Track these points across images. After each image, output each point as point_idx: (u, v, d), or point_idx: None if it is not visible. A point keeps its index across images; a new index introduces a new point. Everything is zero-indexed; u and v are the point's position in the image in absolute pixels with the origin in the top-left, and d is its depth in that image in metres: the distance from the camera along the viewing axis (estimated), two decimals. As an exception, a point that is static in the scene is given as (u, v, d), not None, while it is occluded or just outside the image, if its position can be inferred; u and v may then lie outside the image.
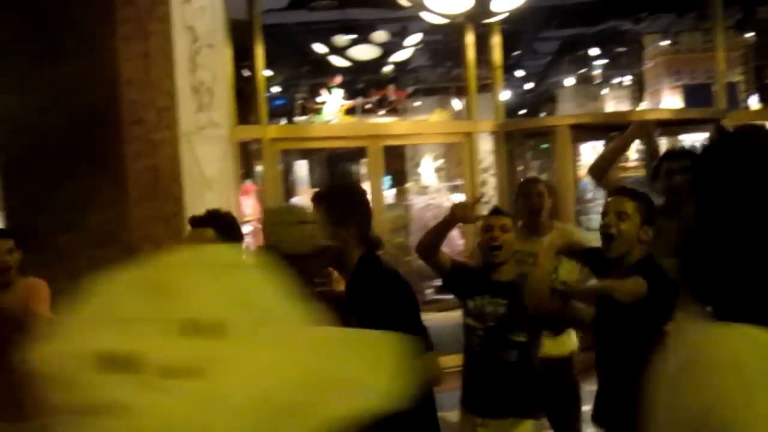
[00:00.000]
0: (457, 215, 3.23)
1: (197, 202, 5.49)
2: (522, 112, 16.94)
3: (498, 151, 7.45)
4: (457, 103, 13.53)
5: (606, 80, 15.35)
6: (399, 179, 10.64)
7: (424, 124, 8.06)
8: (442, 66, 13.85)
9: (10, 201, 4.56)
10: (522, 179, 5.81)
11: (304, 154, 10.65)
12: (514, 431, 3.04)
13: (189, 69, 5.48)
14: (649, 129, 6.47)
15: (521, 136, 7.64)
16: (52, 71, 4.40)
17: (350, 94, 11.77)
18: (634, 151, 8.56)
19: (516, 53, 13.07)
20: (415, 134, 7.81)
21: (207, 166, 5.73)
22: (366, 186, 7.67)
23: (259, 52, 6.55)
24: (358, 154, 15.97)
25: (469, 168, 7.33)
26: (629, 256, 2.82)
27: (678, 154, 3.72)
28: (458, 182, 11.65)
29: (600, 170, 3.81)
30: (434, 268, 3.43)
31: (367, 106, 11.92)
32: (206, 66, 5.81)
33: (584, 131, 7.34)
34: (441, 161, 12.41)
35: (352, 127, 8.36)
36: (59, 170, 4.43)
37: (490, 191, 7.75)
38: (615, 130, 7.25)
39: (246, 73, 7.34)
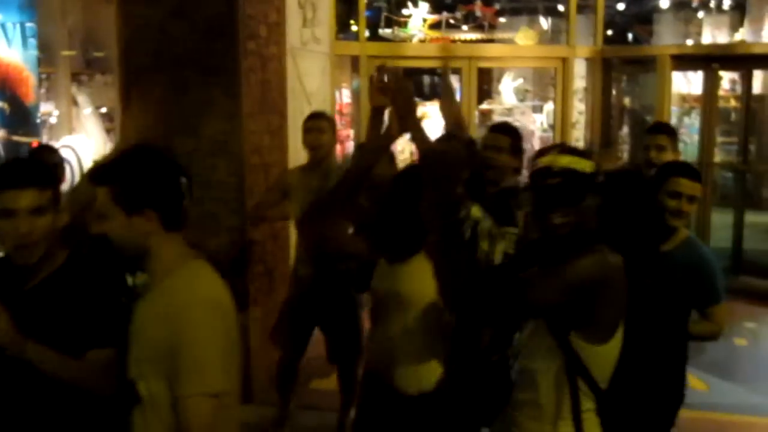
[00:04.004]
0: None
1: (298, 116, 5.67)
2: (608, 32, 16.27)
3: (593, 77, 7.35)
4: (544, 23, 13.20)
5: (704, 3, 14.59)
6: (479, 98, 10.59)
7: (520, 48, 7.97)
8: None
9: (129, 106, 4.79)
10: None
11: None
12: None
13: (296, -17, 5.57)
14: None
15: (619, 64, 7.49)
16: (174, -17, 4.54)
17: (435, 8, 11.61)
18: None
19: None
20: (510, 57, 7.74)
21: (308, 81, 5.87)
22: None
23: (362, -33, 6.55)
24: (431, 69, 15.78)
25: (561, 94, 7.27)
26: None
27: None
28: (542, 104, 11.56)
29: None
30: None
31: (452, 21, 11.78)
32: (311, -20, 5.88)
33: (684, 61, 7.16)
34: (520, 80, 12.22)
35: (447, 48, 8.33)
36: (178, 79, 4.61)
37: (579, 117, 7.70)
38: (716, 62, 7.07)
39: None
